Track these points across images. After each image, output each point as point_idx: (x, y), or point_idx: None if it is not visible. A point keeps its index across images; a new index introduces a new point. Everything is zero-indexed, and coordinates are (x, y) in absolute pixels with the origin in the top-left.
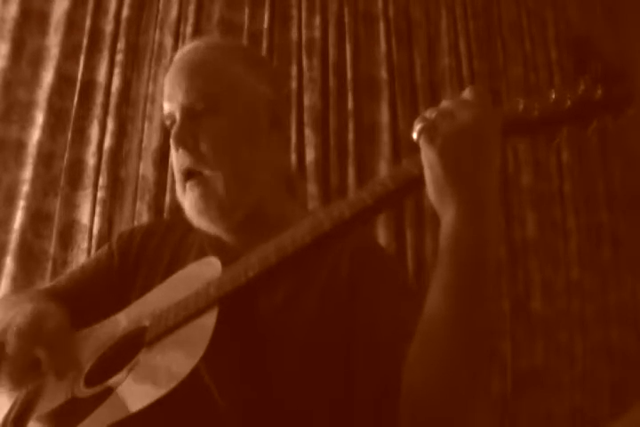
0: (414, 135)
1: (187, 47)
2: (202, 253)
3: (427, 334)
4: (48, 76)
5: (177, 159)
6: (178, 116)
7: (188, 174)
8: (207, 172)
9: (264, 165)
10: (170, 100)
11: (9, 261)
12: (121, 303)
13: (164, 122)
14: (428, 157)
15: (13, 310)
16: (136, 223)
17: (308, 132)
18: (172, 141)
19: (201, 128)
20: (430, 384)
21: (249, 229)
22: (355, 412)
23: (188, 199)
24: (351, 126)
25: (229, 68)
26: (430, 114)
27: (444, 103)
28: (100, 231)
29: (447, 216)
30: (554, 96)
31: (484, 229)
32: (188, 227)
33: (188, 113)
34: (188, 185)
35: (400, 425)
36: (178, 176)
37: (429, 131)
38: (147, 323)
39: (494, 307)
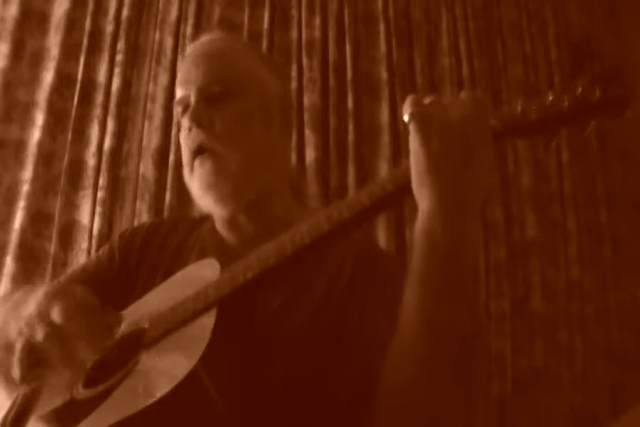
0: (405, 117)
1: (202, 39)
2: (203, 254)
3: (401, 333)
4: (48, 76)
5: (189, 138)
6: (193, 98)
7: (199, 151)
8: (220, 148)
9: (276, 154)
10: (185, 84)
11: (9, 261)
12: (122, 304)
13: (175, 108)
14: (415, 142)
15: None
16: (136, 223)
17: (308, 132)
18: (186, 121)
19: (217, 110)
20: (406, 385)
21: (252, 225)
22: (342, 413)
23: (197, 176)
24: (351, 126)
25: (246, 59)
26: (425, 100)
27: (441, 97)
28: (100, 231)
29: (422, 207)
30: (551, 98)
31: (458, 228)
32: (190, 227)
33: (205, 95)
34: (197, 161)
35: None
36: (187, 156)
37: (423, 117)
38: (146, 324)
39: (471, 306)
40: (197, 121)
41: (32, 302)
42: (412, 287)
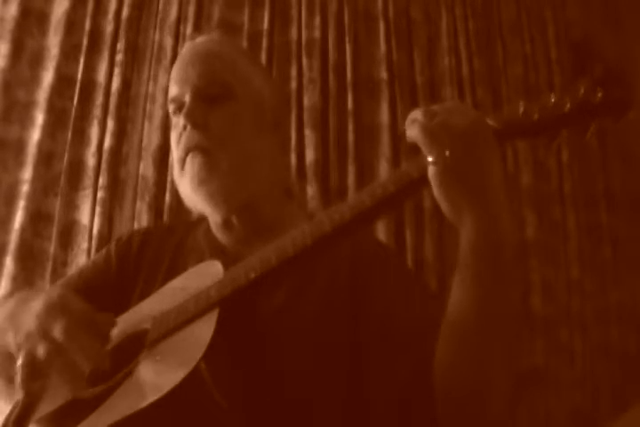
0: (429, 159)
1: (199, 39)
2: (201, 257)
3: (457, 333)
4: (48, 76)
5: (184, 136)
6: (188, 97)
7: (193, 148)
8: (214, 149)
9: (266, 160)
10: (181, 83)
11: (9, 261)
12: (120, 308)
13: (168, 106)
14: (443, 185)
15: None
16: (136, 223)
17: (308, 132)
18: (181, 119)
19: (212, 111)
20: (469, 376)
21: (245, 227)
22: (369, 410)
23: (188, 172)
24: (351, 126)
25: (243, 64)
26: (432, 129)
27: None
28: (100, 231)
29: (467, 229)
30: (553, 99)
31: (501, 232)
32: (186, 230)
33: (201, 95)
34: (189, 157)
35: (438, 419)
36: (179, 153)
37: (446, 160)
38: (148, 325)
39: (519, 295)
40: (193, 120)
41: (30, 313)
42: (475, 291)
